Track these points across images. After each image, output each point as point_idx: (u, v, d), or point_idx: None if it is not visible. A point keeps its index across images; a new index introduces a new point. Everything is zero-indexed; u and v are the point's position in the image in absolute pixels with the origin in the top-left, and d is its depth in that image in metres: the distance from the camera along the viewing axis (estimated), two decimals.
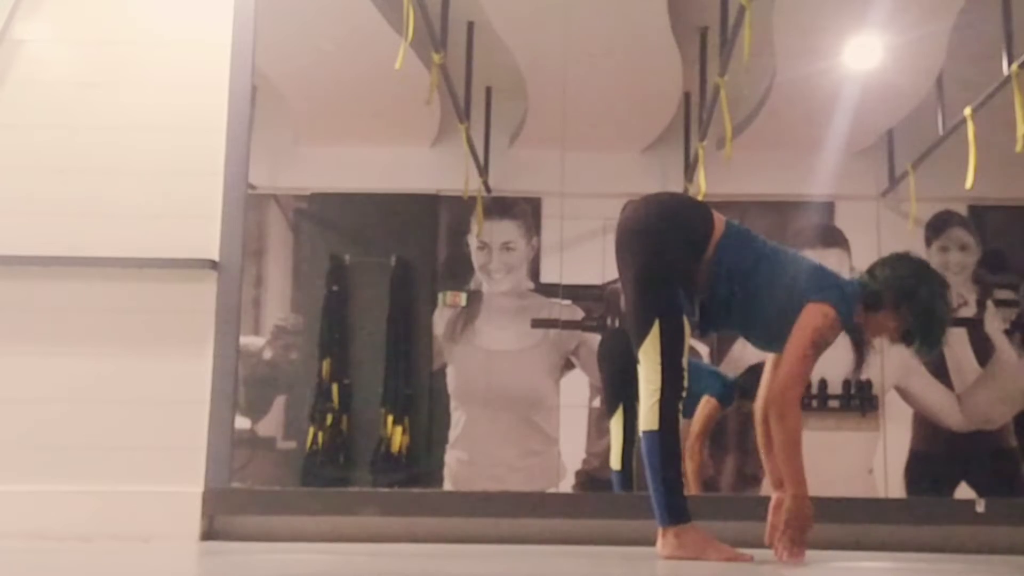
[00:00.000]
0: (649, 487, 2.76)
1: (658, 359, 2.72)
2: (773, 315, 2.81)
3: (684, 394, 2.75)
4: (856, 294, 2.85)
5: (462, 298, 4.91)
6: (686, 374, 2.75)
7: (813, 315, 2.74)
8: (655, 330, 2.73)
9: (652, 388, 2.73)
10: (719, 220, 2.87)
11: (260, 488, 4.16)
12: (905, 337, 2.89)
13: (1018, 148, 3.63)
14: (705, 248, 2.82)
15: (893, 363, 4.80)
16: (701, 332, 2.95)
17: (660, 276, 2.78)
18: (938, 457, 4.78)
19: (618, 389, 4.11)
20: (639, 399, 2.78)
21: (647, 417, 2.73)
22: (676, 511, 2.73)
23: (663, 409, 2.71)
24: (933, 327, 2.86)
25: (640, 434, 2.77)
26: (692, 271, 2.80)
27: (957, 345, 4.81)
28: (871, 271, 2.92)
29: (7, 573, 2.25)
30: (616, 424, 4.06)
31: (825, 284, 2.82)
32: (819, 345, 2.75)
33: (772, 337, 2.85)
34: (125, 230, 3.56)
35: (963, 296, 4.85)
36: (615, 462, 4.06)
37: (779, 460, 2.76)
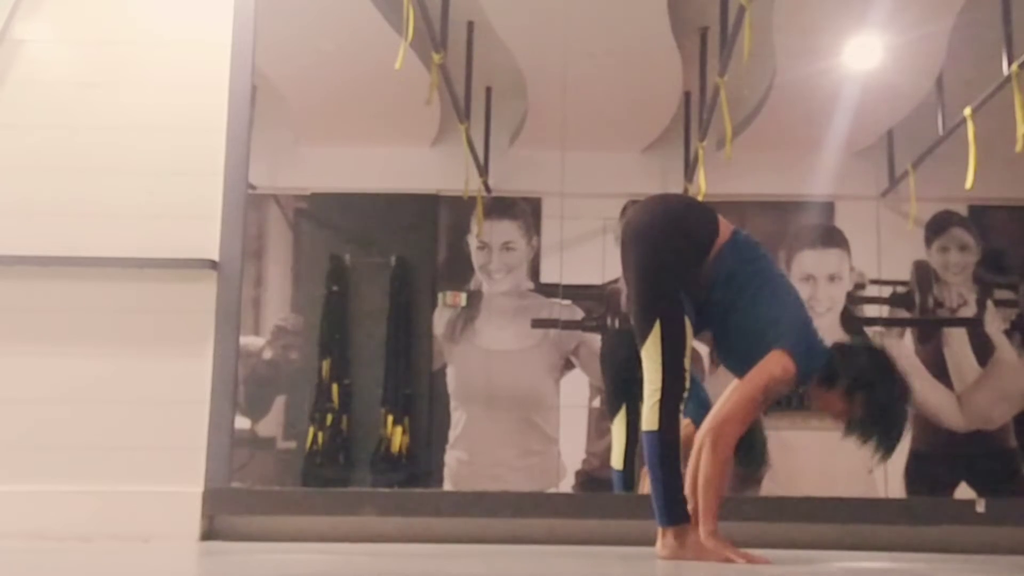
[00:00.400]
0: (650, 486, 2.77)
1: (659, 359, 2.73)
2: (744, 339, 2.80)
3: (686, 395, 2.75)
4: (822, 363, 2.83)
5: (462, 298, 4.90)
6: (688, 375, 2.75)
7: (775, 364, 2.73)
8: (656, 330, 2.73)
9: (653, 388, 2.74)
10: (726, 226, 2.87)
11: (260, 488, 4.16)
12: (859, 428, 2.86)
13: (1018, 148, 3.63)
14: (708, 251, 2.82)
15: None
16: (694, 331, 2.95)
17: (662, 276, 2.78)
18: (938, 457, 4.77)
19: (621, 390, 4.10)
20: (642, 400, 2.78)
21: (648, 417, 2.74)
22: (675, 512, 2.73)
23: (663, 409, 2.72)
24: (889, 428, 2.85)
25: (642, 434, 2.77)
26: (695, 273, 2.80)
27: (957, 345, 4.81)
28: (840, 348, 2.90)
29: (7, 573, 2.25)
30: (619, 425, 4.05)
31: (799, 339, 2.79)
32: (770, 394, 2.74)
33: (735, 359, 2.84)
34: (125, 230, 3.57)
35: (963, 296, 4.85)
36: (617, 461, 4.05)
37: (700, 491, 2.73)
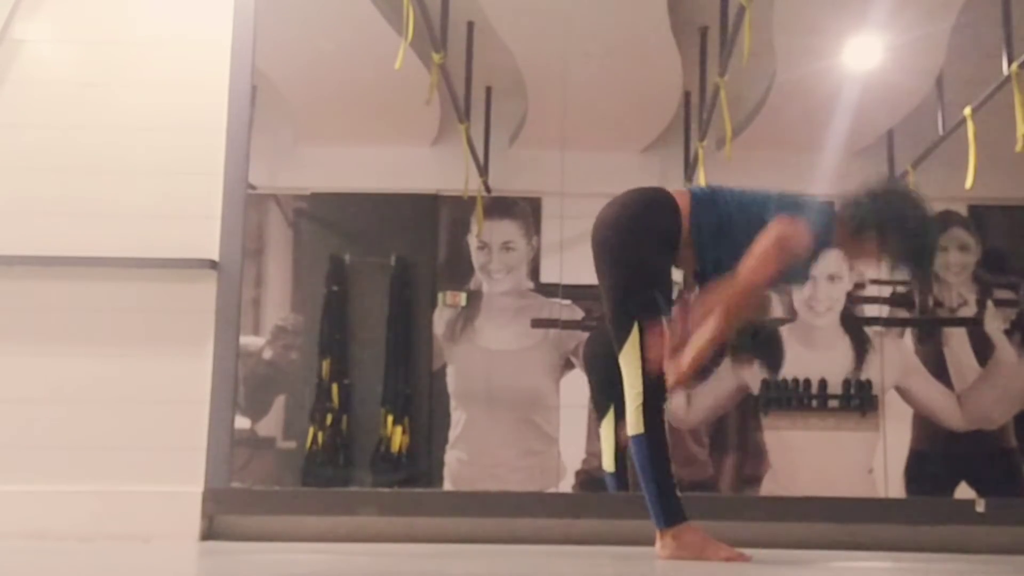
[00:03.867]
0: (642, 490, 2.76)
1: (638, 363, 2.73)
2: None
3: (668, 395, 2.75)
4: (830, 213, 2.82)
5: (462, 298, 4.91)
6: (666, 376, 2.74)
7: (779, 225, 2.68)
8: (634, 334, 2.73)
9: (635, 392, 2.73)
10: (682, 196, 2.86)
11: (260, 488, 4.16)
12: (893, 263, 2.85)
13: (1018, 148, 3.63)
14: (677, 237, 2.82)
15: (893, 363, 4.80)
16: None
17: (635, 280, 2.78)
18: (938, 457, 4.78)
19: (607, 391, 4.05)
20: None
21: (633, 421, 2.73)
22: (671, 513, 2.72)
23: (647, 413, 2.71)
24: (923, 253, 2.83)
25: (629, 438, 2.77)
26: (667, 270, 2.82)
27: (957, 345, 4.81)
28: (855, 198, 2.85)
29: (7, 573, 2.25)
30: (607, 427, 4.01)
31: (794, 203, 2.78)
32: (784, 250, 2.66)
33: None
34: (125, 230, 3.56)
35: (963, 296, 4.85)
36: (608, 464, 4.03)
37: (693, 341, 2.69)
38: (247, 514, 3.49)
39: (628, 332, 2.74)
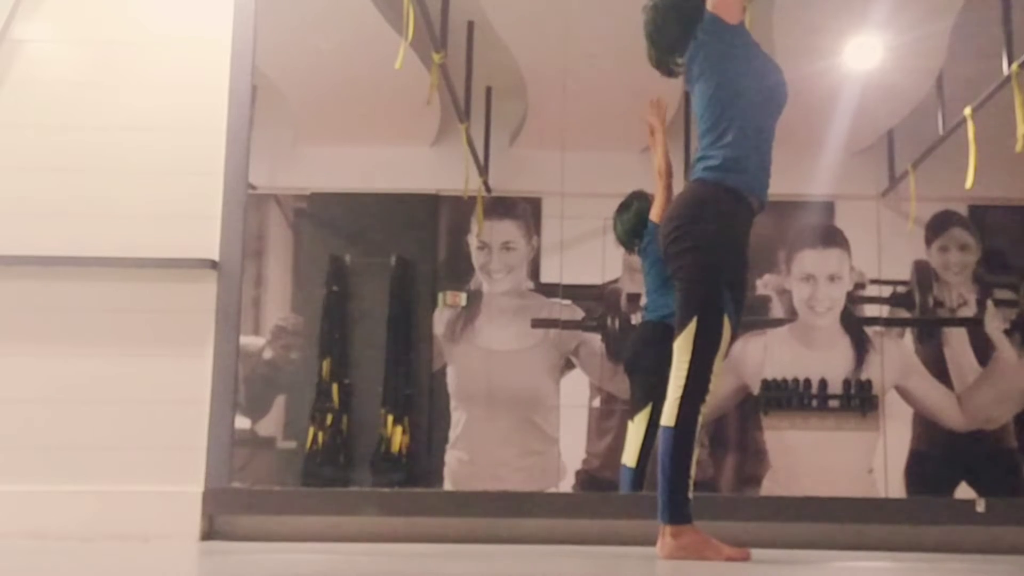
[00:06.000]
0: (658, 481, 2.77)
1: (688, 356, 2.74)
2: None
3: (708, 397, 2.74)
4: None
5: (462, 298, 4.90)
6: (712, 378, 2.74)
7: None
8: (692, 327, 2.74)
9: (677, 384, 2.74)
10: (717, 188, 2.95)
11: (260, 488, 4.16)
12: None
13: (1018, 148, 3.64)
14: (748, 228, 2.87)
15: (893, 363, 4.80)
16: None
17: (708, 277, 2.78)
18: (938, 457, 4.77)
19: (650, 388, 3.98)
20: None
21: (667, 412, 2.74)
22: (678, 511, 2.73)
23: (683, 407, 2.72)
24: None
25: (660, 429, 2.77)
26: (741, 269, 2.82)
27: (957, 345, 4.81)
28: None
29: (7, 573, 2.25)
30: (639, 423, 3.97)
31: None
32: None
33: None
34: (125, 230, 3.57)
35: (963, 296, 4.85)
36: (629, 459, 4.00)
37: None
38: (247, 514, 3.49)
39: (687, 323, 2.75)
